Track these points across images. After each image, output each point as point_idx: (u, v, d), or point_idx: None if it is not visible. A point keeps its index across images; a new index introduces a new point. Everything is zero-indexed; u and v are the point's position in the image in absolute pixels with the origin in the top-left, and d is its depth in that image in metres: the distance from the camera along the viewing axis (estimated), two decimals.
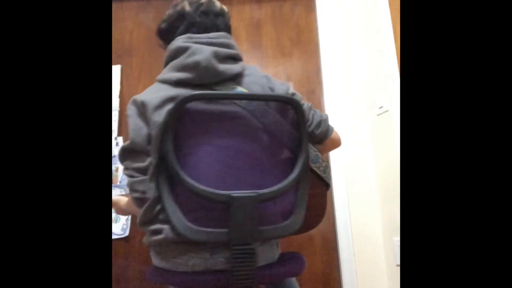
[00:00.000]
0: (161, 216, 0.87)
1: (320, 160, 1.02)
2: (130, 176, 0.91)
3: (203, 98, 0.88)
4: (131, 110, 0.93)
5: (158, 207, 0.87)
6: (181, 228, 0.83)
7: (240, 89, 0.95)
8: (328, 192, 1.07)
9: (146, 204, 0.88)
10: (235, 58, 0.99)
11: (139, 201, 0.90)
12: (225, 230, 0.84)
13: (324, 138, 1.03)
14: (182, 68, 0.93)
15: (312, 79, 2.05)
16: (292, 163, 0.94)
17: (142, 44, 2.07)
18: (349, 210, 1.86)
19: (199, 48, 0.93)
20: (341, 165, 1.91)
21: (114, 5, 2.10)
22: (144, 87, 1.99)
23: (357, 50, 2.03)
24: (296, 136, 0.95)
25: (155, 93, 0.92)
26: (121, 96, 1.98)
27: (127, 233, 1.82)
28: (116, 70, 2.00)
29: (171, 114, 0.86)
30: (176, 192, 0.87)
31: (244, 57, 1.05)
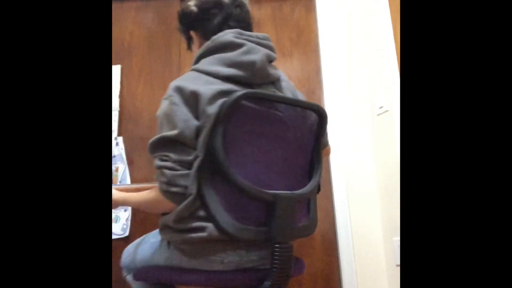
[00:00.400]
0: (200, 213, 0.83)
1: (321, 167, 1.06)
2: (171, 169, 0.83)
3: (263, 97, 0.87)
4: (176, 98, 0.86)
5: (197, 204, 0.84)
6: (228, 226, 0.82)
7: (279, 94, 0.95)
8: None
9: (188, 200, 0.82)
10: (272, 62, 1.00)
11: (177, 196, 0.83)
12: (264, 228, 0.85)
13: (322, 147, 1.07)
14: (235, 65, 0.90)
15: (312, 79, 2.05)
16: (303, 168, 0.97)
17: (142, 44, 2.07)
18: (349, 210, 1.86)
19: (255, 48, 0.92)
20: (341, 165, 1.91)
21: (114, 5, 2.09)
22: (144, 87, 1.99)
23: (357, 50, 2.03)
24: (311, 143, 0.99)
25: (205, 84, 0.87)
26: (121, 96, 1.98)
27: (127, 233, 1.82)
28: (116, 70, 2.00)
29: (226, 108, 0.82)
30: (217, 189, 0.84)
31: None
